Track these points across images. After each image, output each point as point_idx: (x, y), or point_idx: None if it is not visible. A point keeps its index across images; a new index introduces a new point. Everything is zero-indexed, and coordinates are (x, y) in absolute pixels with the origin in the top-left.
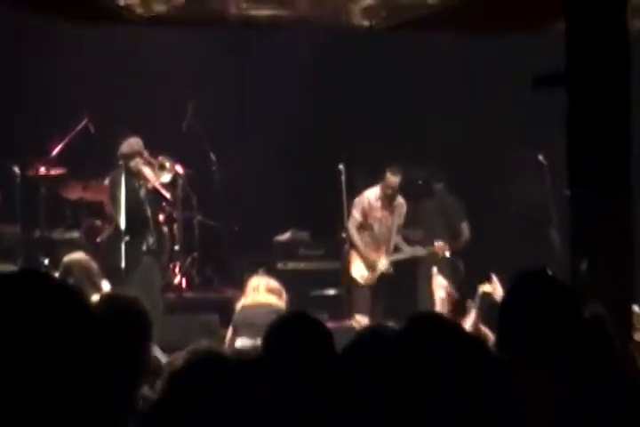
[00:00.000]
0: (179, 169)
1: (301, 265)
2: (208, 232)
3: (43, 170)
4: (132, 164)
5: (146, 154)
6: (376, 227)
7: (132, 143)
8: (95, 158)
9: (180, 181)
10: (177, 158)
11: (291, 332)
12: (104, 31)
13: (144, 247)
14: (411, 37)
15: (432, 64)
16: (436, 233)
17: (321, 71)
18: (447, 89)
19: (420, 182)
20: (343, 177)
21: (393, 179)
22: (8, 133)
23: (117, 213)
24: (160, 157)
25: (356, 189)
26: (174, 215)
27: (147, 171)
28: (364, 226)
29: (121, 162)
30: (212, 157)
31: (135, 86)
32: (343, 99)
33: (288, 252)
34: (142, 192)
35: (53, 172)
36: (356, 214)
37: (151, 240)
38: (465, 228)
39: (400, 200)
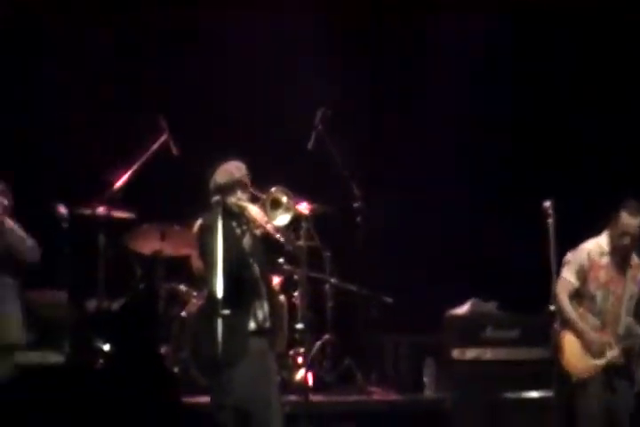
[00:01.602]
0: (302, 208)
1: (487, 354)
2: (347, 303)
3: (101, 210)
4: (232, 200)
5: (251, 185)
6: (599, 296)
7: (232, 170)
8: (177, 193)
9: (305, 226)
10: (300, 192)
11: None
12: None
13: (251, 325)
14: None
15: None
16: None
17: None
18: None
19: None
20: (551, 220)
21: (631, 221)
22: (51, 159)
23: (211, 273)
24: (273, 190)
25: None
26: (296, 277)
27: (253, 210)
28: (580, 294)
29: (216, 197)
30: (355, 189)
31: (235, 88)
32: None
33: (467, 333)
34: (247, 241)
35: (117, 214)
36: (571, 276)
37: (261, 315)
38: None
39: (636, 259)
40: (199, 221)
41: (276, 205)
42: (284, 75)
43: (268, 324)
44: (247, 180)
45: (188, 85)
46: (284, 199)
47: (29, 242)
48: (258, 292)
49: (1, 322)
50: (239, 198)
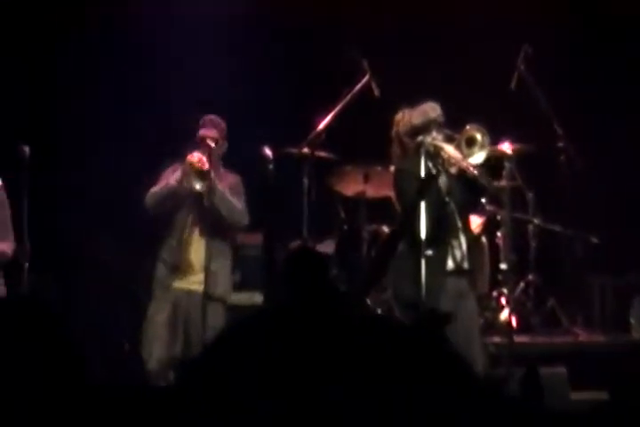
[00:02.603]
0: (505, 147)
1: None
2: (551, 244)
3: (306, 152)
4: (428, 140)
5: (445, 125)
6: None
7: (427, 110)
8: (379, 134)
9: (508, 166)
10: (502, 131)
11: None
12: None
13: (450, 265)
14: None
15: None
16: None
17: None
18: None
19: None
20: None
21: None
22: (257, 102)
23: (406, 215)
24: (468, 127)
25: None
26: (498, 217)
27: (449, 149)
28: None
29: (419, 138)
30: (557, 128)
31: (435, 27)
32: None
33: None
34: (443, 181)
35: (321, 155)
36: None
37: (459, 255)
38: None
39: None
40: (394, 165)
41: (471, 143)
42: (486, 12)
43: (466, 264)
44: (442, 120)
45: (388, 28)
46: (479, 137)
47: (238, 206)
48: (455, 232)
49: (209, 276)
50: (434, 138)
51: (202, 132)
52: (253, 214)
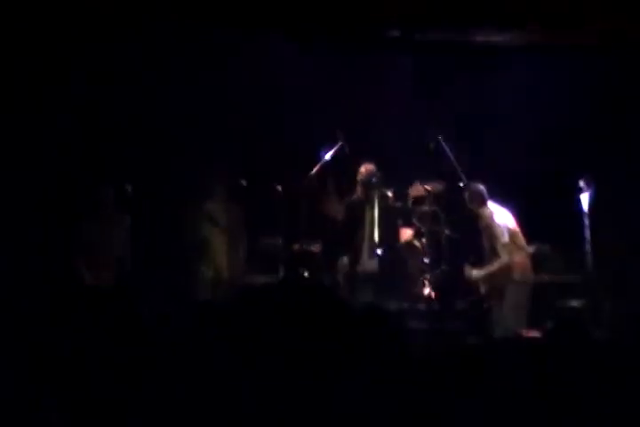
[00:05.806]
0: (417, 188)
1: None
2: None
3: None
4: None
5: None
6: None
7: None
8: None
9: (427, 197)
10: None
11: None
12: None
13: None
14: None
15: None
16: None
17: None
18: None
19: None
20: None
21: None
22: (275, 153)
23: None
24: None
25: None
26: (422, 229)
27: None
28: None
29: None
30: (461, 174)
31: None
32: None
33: None
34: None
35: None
36: None
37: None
38: None
39: None
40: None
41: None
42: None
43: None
44: (367, 179)
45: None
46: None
47: None
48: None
49: None
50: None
51: None
52: (269, 224)
